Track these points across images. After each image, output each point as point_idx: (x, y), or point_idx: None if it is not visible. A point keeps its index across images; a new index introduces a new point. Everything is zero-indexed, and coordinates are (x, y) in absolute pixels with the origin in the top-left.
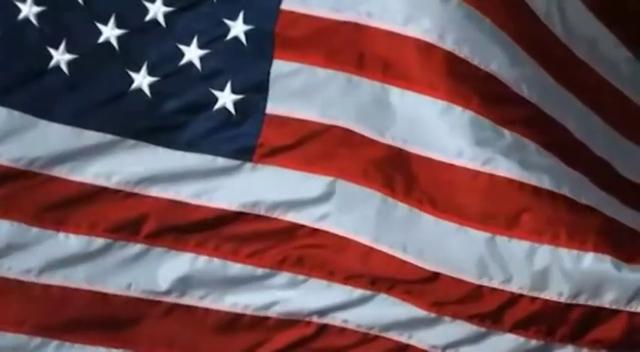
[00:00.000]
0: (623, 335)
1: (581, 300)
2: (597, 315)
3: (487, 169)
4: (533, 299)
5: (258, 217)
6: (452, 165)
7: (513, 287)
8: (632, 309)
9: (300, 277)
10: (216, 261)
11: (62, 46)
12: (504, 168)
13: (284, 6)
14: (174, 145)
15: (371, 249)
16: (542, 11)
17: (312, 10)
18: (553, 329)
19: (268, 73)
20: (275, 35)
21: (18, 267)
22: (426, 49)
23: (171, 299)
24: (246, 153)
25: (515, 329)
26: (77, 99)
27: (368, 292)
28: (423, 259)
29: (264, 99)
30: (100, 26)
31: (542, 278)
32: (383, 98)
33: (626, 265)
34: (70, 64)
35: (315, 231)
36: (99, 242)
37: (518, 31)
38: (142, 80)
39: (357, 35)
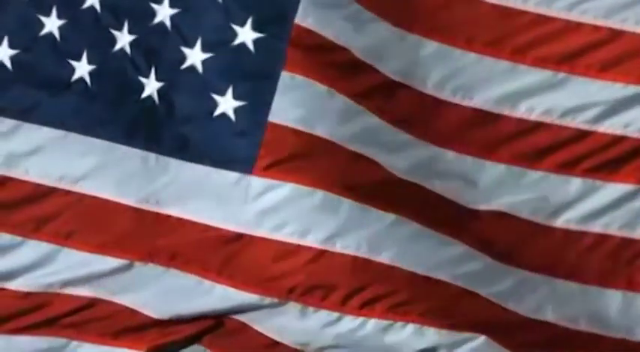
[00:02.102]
0: None
1: None
2: None
3: None
4: None
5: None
6: None
7: None
8: None
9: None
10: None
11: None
12: None
13: (299, 20)
14: (177, 155)
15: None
16: None
17: (325, 31)
18: None
19: (276, 83)
20: (288, 47)
21: None
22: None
23: None
24: (246, 164)
25: None
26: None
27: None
28: None
29: (268, 109)
30: (115, 33)
31: None
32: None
33: None
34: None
35: (322, 252)
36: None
37: None
38: (152, 86)
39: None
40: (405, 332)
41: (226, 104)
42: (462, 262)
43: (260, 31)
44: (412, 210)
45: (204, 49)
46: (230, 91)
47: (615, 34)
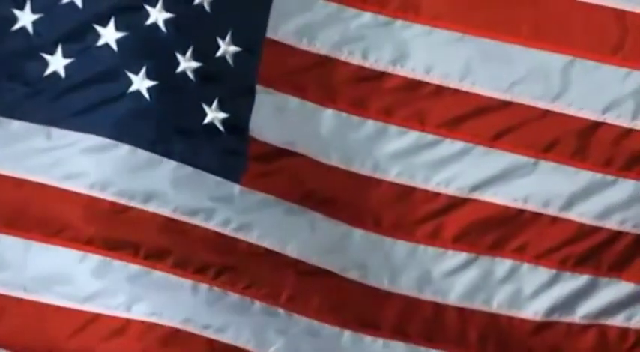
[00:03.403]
0: None
1: None
2: None
3: None
4: None
5: (249, 244)
6: None
7: None
8: None
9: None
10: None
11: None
12: None
13: (270, 34)
14: (169, 156)
15: None
16: None
17: (300, 44)
18: None
19: (253, 98)
20: (261, 61)
21: None
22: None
23: None
24: (234, 174)
25: None
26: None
27: None
28: None
29: (247, 122)
30: (99, 28)
31: None
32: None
33: None
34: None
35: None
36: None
37: None
38: (140, 83)
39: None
40: None
41: (214, 115)
42: None
43: (237, 45)
44: None
45: (194, 58)
46: (216, 103)
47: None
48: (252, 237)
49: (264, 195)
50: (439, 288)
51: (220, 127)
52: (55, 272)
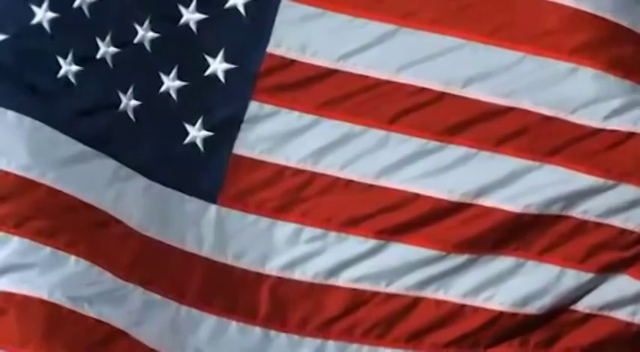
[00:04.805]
0: None
1: None
2: None
3: None
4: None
5: (225, 265)
6: None
7: None
8: None
9: (273, 332)
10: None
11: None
12: None
13: (270, 49)
14: (145, 174)
15: None
16: None
17: (301, 57)
18: None
19: (243, 114)
20: (257, 77)
21: None
22: None
23: None
24: (211, 194)
25: None
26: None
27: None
28: None
29: (233, 140)
30: (99, 42)
31: None
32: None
33: None
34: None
35: (280, 279)
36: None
37: None
38: (127, 102)
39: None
40: None
41: (196, 134)
42: None
43: (232, 63)
44: None
45: (179, 77)
46: (200, 121)
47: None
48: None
49: None
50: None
51: (201, 146)
52: None
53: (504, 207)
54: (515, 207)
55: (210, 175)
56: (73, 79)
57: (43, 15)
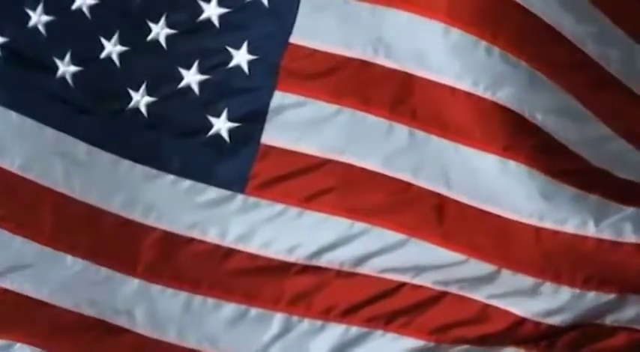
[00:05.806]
0: None
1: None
2: None
3: None
4: None
5: (250, 255)
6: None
7: None
8: None
9: (295, 318)
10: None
11: (67, 57)
12: None
13: (293, 39)
14: (167, 169)
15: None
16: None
17: (322, 46)
18: None
19: (268, 104)
20: (280, 67)
21: None
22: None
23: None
24: (238, 183)
25: None
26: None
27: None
28: None
29: (261, 130)
30: (104, 41)
31: None
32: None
33: None
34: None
35: (306, 267)
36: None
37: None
38: (140, 99)
39: (366, 72)
40: None
41: (221, 125)
42: None
43: (255, 54)
44: None
45: (200, 71)
46: (225, 113)
47: None
48: None
49: None
50: None
51: (227, 138)
52: None
53: None
54: None
55: (237, 165)
56: (70, 80)
57: (38, 18)
